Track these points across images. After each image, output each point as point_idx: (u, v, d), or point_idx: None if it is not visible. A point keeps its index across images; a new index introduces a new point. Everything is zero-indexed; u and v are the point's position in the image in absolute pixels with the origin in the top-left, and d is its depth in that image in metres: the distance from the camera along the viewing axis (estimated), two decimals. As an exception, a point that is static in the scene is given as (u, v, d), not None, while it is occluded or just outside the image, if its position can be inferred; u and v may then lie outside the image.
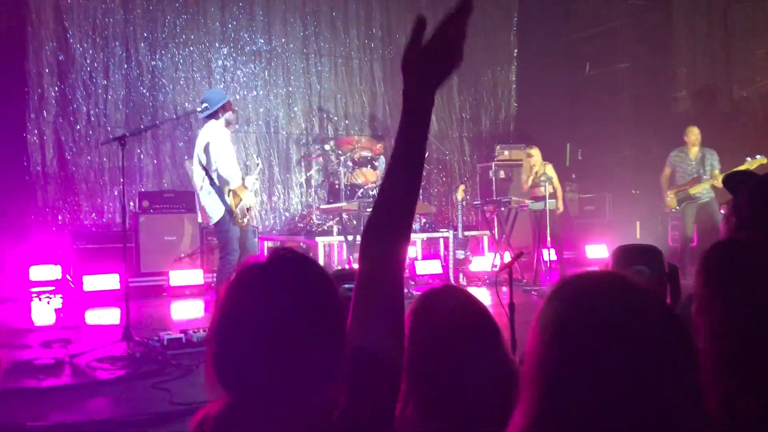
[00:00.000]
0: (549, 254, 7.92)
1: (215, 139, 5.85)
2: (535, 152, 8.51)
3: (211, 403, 1.13)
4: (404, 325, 1.20)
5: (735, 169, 7.52)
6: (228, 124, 6.06)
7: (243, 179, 6.04)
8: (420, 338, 1.41)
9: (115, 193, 9.20)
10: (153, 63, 9.59)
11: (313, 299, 1.13)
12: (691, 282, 1.30)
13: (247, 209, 5.99)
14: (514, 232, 8.85)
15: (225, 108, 6.03)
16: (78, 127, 9.08)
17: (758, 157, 7.70)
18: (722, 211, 7.83)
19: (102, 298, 7.63)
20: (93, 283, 7.78)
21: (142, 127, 8.71)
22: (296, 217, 10.31)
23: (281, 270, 1.15)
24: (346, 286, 3.91)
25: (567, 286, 0.99)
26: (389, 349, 1.16)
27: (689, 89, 10.79)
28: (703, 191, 8.04)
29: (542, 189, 7.97)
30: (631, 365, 0.88)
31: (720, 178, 7.86)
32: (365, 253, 1.20)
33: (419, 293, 1.62)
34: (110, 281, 7.80)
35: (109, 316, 6.75)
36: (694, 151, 8.16)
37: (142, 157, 9.46)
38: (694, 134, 8.14)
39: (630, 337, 0.90)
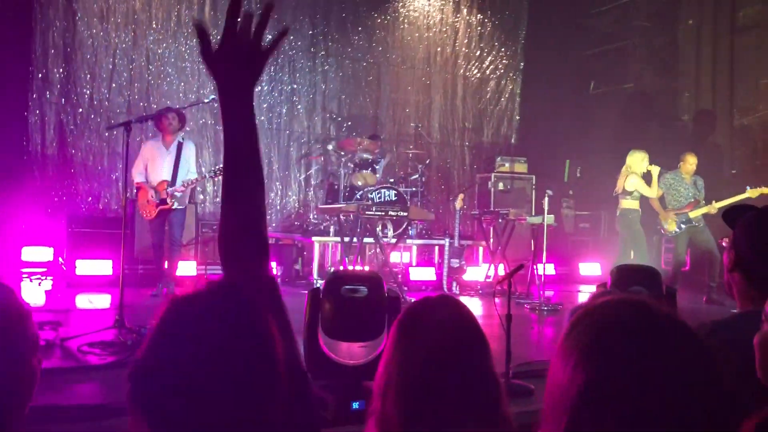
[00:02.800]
0: (544, 268, 7.92)
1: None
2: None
3: None
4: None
5: (734, 201, 7.59)
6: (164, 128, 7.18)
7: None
8: (409, 346, 1.43)
9: (113, 178, 9.17)
10: (160, 51, 9.57)
11: (244, 335, 1.07)
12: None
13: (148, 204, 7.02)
14: (509, 245, 8.86)
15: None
16: (80, 110, 9.04)
17: (759, 187, 7.76)
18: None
19: (93, 283, 7.59)
20: (85, 267, 7.74)
21: (145, 114, 8.67)
22: (293, 215, 10.30)
23: (210, 306, 1.08)
24: (347, 287, 3.87)
25: (593, 312, 0.96)
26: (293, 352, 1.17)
27: (692, 114, 10.85)
28: (699, 216, 8.07)
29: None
30: (659, 394, 0.86)
31: (716, 207, 7.90)
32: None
33: (413, 299, 1.62)
34: (103, 267, 7.76)
35: (99, 302, 6.72)
36: (689, 176, 8.20)
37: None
38: (692, 163, 8.16)
39: (657, 366, 0.87)
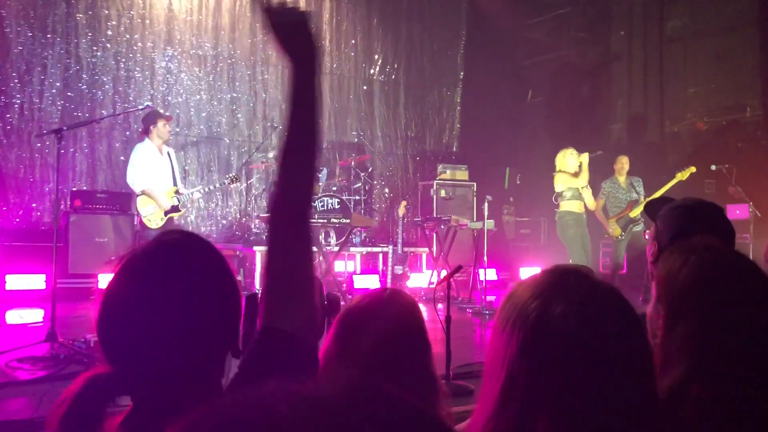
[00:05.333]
0: (485, 273, 8.01)
1: (134, 151, 6.87)
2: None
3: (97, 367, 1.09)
4: (316, 301, 1.20)
5: (665, 189, 7.83)
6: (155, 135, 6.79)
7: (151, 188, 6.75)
8: (354, 337, 1.43)
9: (46, 190, 8.87)
10: (93, 60, 9.32)
11: (202, 279, 1.13)
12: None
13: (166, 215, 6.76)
14: (452, 251, 8.94)
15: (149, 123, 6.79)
16: (10, 119, 8.72)
17: (687, 168, 8.03)
18: (646, 236, 8.08)
19: (25, 299, 7.30)
20: (16, 282, 7.44)
21: (79, 122, 8.43)
22: (234, 225, 10.15)
23: (170, 250, 1.14)
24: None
25: (529, 281, 1.00)
26: (303, 328, 1.14)
27: (624, 121, 11.19)
28: (638, 215, 8.22)
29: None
30: (595, 356, 0.89)
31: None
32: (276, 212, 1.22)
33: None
34: (35, 281, 7.47)
35: (31, 317, 6.46)
36: (623, 178, 8.38)
37: (76, 154, 9.15)
38: (623, 162, 8.35)
39: (594, 329, 0.91)
